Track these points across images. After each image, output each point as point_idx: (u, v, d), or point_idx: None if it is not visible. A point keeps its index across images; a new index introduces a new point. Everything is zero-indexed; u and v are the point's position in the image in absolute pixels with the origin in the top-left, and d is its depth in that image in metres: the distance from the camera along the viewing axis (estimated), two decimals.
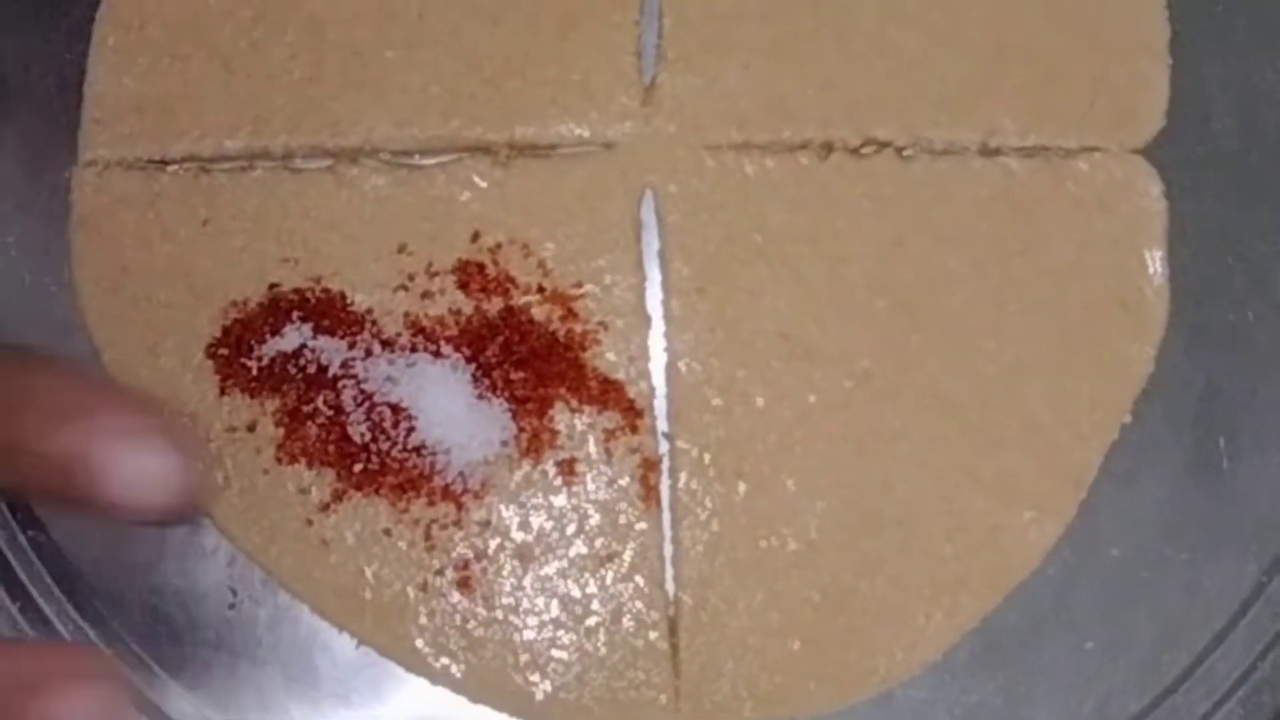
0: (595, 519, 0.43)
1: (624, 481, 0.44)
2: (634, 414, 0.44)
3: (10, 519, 0.44)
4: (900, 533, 0.43)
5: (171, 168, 0.45)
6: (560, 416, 0.44)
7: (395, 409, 0.43)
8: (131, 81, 0.45)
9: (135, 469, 0.31)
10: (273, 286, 0.44)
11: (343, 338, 0.44)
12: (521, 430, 0.43)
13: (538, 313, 0.44)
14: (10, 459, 0.30)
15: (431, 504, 0.43)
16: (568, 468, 0.44)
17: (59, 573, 0.43)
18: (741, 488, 0.44)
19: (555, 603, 0.43)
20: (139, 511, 0.31)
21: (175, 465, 0.31)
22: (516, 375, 0.44)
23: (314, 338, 0.44)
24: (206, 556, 0.44)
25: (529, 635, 0.43)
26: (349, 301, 0.44)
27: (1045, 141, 0.45)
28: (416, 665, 0.43)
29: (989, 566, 0.43)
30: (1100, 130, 0.46)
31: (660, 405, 0.44)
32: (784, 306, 0.45)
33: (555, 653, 0.43)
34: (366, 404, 0.43)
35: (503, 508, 0.43)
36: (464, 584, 0.43)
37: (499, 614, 0.43)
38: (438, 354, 0.44)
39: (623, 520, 0.43)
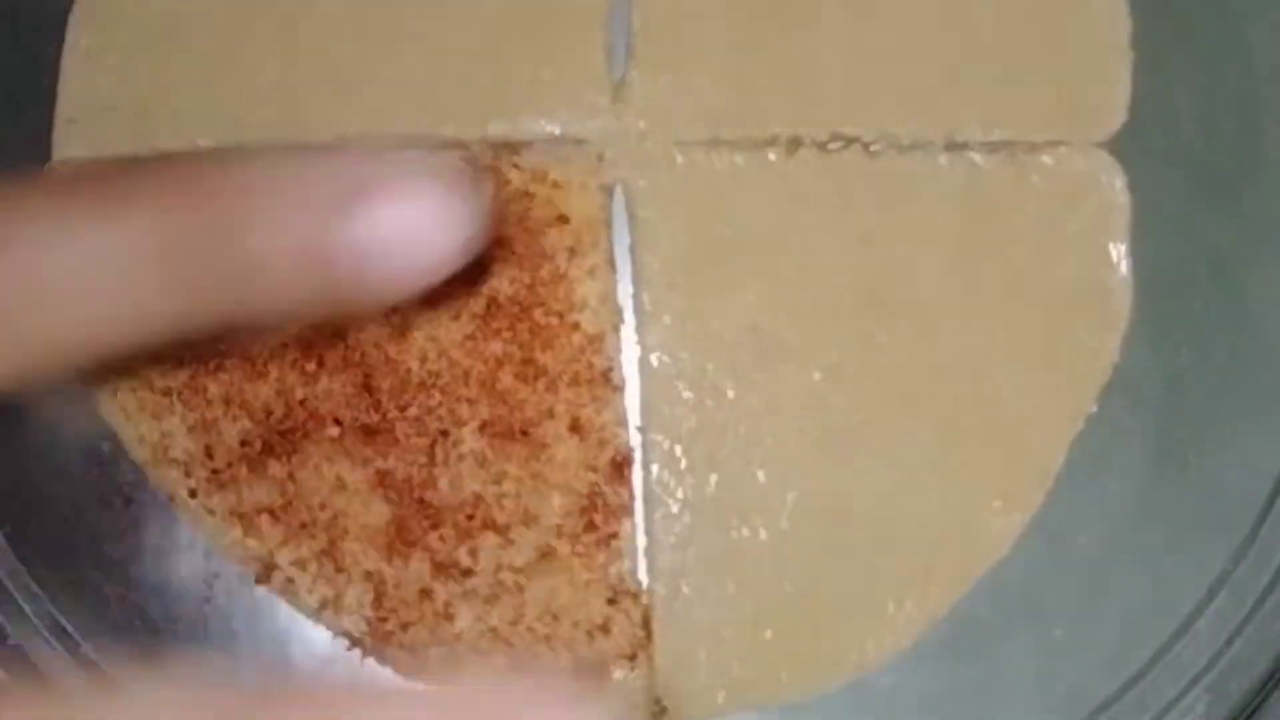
0: None
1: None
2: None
3: None
4: (869, 523, 0.44)
5: None
6: None
7: None
8: (104, 81, 0.46)
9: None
10: None
11: None
12: None
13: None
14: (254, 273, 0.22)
15: None
16: None
17: (35, 568, 0.44)
18: (713, 479, 0.44)
19: None
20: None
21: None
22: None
23: None
24: (183, 551, 0.44)
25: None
26: None
27: (1010, 136, 0.46)
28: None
29: (957, 556, 0.44)
30: (1064, 125, 0.46)
31: (632, 398, 0.45)
32: (753, 300, 0.45)
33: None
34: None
35: None
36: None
37: None
38: None
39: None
